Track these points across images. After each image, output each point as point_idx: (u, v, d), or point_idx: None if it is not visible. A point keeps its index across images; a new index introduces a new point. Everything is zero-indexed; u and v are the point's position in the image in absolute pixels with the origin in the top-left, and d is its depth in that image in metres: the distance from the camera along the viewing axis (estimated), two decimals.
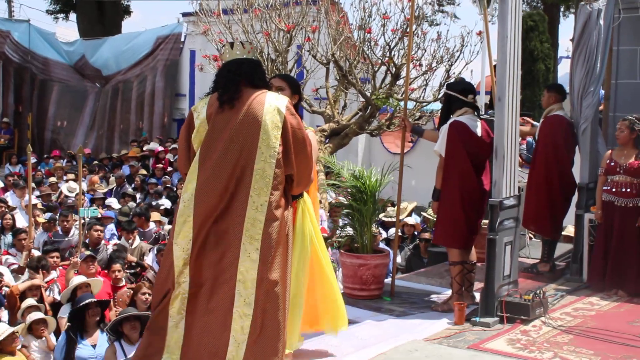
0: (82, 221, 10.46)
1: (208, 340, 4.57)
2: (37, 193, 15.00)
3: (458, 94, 7.08)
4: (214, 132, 4.63)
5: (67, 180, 16.48)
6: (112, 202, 14.58)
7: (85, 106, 23.93)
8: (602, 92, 9.07)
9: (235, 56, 4.77)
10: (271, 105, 4.61)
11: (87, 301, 7.58)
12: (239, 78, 4.66)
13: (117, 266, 9.16)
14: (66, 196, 15.19)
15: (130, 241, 11.08)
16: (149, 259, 10.08)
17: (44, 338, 7.51)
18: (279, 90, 5.27)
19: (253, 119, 4.57)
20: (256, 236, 4.54)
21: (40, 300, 8.35)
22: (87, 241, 10.58)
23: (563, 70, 20.39)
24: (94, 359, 7.30)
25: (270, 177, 4.58)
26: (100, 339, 7.49)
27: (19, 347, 7.08)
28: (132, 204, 14.43)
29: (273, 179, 4.59)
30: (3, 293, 8.43)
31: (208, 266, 4.59)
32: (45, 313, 7.98)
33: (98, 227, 10.95)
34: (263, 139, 4.56)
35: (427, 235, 10.85)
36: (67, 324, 7.70)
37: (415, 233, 11.92)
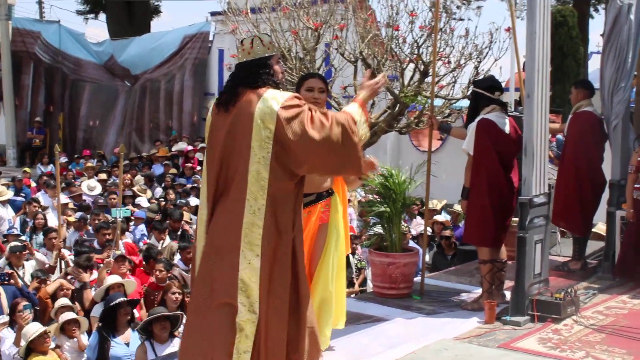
0: (117, 221, 10.56)
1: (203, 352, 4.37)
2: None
3: (485, 91, 7.04)
4: (213, 133, 4.52)
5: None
6: (142, 201, 14.68)
7: (117, 105, 24.10)
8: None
9: (241, 58, 4.64)
10: (265, 103, 4.32)
11: (118, 300, 7.63)
12: (236, 83, 4.49)
13: (159, 266, 9.18)
14: (86, 194, 15.35)
15: (160, 241, 11.14)
16: (177, 259, 10.13)
17: (75, 338, 7.57)
18: (321, 92, 5.31)
19: (246, 119, 4.33)
20: (255, 242, 4.29)
21: (72, 299, 8.44)
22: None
23: (593, 66, 20.20)
24: (129, 357, 7.34)
25: (265, 180, 4.30)
26: (133, 337, 7.54)
27: (52, 346, 7.14)
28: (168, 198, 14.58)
29: (269, 181, 4.31)
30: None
31: (207, 272, 4.41)
32: (77, 313, 8.05)
33: (106, 231, 11.03)
34: (256, 139, 4.30)
35: (448, 232, 10.81)
36: (99, 323, 7.76)
37: None
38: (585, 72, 20.07)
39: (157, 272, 9.07)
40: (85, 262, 9.09)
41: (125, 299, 7.76)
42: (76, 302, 8.46)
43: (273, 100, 4.29)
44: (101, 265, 9.41)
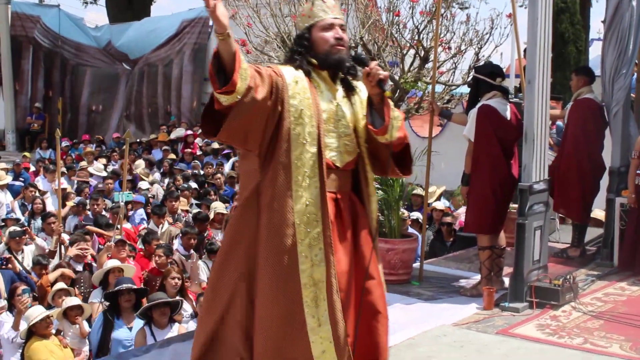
0: (120, 205, 10.54)
1: None
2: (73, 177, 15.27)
3: (486, 77, 7.02)
4: None
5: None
6: (144, 185, 14.67)
7: (119, 89, 24.07)
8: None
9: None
10: None
11: (117, 288, 7.61)
12: None
13: (159, 251, 9.17)
14: (92, 175, 15.40)
15: (160, 225, 11.13)
16: (177, 244, 10.12)
17: (77, 324, 7.57)
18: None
19: None
20: None
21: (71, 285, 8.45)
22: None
23: (594, 52, 20.14)
24: (130, 341, 7.34)
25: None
26: (137, 321, 7.53)
27: (54, 331, 7.14)
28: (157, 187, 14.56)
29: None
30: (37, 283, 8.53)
31: None
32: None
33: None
34: None
35: (449, 219, 10.79)
36: (105, 304, 7.77)
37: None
38: (586, 58, 20.03)
39: (157, 258, 9.07)
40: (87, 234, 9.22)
41: (131, 286, 7.70)
42: (75, 287, 8.45)
43: None
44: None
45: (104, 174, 15.77)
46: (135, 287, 7.76)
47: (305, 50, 4.06)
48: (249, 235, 3.97)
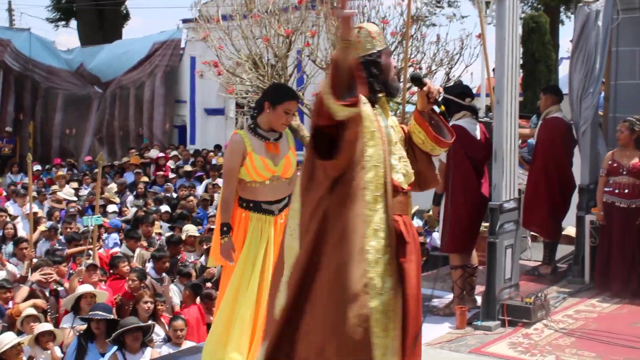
0: (89, 229, 10.41)
1: None
2: (45, 201, 15.13)
3: (456, 97, 7.06)
4: None
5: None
6: (110, 209, 14.54)
7: (91, 112, 23.97)
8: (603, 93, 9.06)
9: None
10: None
11: (89, 315, 7.51)
12: None
13: (132, 275, 9.08)
14: (65, 200, 15.25)
15: (135, 250, 11.02)
16: (149, 267, 10.04)
17: (49, 350, 7.47)
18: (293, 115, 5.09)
19: None
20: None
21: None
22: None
23: (564, 71, 20.37)
24: None
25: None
26: (111, 348, 7.45)
27: (25, 358, 7.04)
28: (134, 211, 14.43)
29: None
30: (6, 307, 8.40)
31: None
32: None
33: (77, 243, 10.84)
34: None
35: (421, 239, 10.82)
36: (77, 330, 7.67)
37: None
38: (556, 77, 20.25)
39: (130, 282, 8.99)
40: (53, 257, 9.13)
41: (107, 316, 7.59)
42: (48, 318, 8.33)
43: None
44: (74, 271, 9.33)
45: (75, 198, 15.65)
46: (110, 316, 7.65)
47: (379, 75, 4.02)
48: (322, 264, 3.82)
